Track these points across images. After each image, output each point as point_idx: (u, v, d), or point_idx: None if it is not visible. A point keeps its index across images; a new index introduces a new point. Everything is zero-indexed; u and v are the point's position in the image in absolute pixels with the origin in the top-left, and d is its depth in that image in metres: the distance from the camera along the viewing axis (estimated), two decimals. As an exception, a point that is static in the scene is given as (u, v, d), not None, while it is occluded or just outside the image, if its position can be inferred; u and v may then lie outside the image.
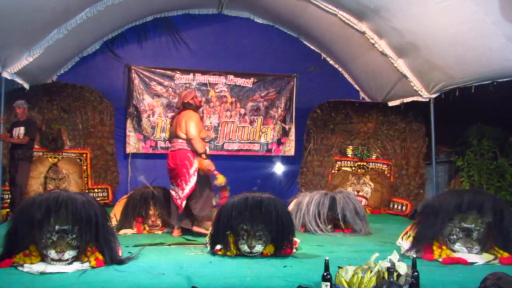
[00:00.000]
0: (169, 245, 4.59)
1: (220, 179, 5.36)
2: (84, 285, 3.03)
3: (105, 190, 7.78)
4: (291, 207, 5.78)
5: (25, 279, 3.16)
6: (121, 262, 3.58)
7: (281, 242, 4.01)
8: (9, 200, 6.78)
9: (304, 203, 5.66)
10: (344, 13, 6.86)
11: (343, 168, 8.46)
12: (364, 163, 8.42)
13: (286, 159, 8.53)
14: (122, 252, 3.83)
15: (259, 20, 8.52)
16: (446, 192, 4.53)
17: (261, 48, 8.50)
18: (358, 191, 8.23)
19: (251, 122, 8.35)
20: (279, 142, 8.51)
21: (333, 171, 8.43)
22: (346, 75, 8.76)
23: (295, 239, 4.26)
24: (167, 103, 8.10)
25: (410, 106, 7.87)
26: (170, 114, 8.11)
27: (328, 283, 2.90)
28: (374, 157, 8.44)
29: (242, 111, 8.30)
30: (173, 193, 5.42)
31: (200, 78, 8.22)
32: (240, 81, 8.34)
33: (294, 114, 8.53)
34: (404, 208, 8.06)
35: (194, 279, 3.17)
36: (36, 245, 3.45)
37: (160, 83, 8.08)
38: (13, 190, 6.48)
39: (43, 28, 5.91)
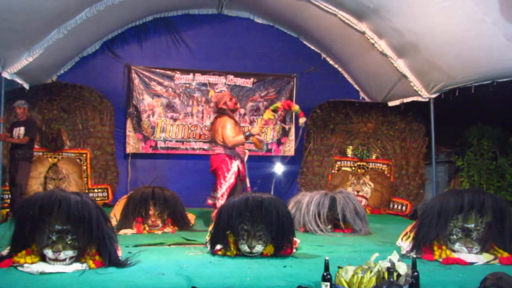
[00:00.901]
0: (169, 245, 4.59)
1: (295, 107, 5.72)
2: (84, 285, 3.03)
3: (105, 190, 7.78)
4: (290, 207, 5.78)
5: (25, 279, 3.16)
6: (120, 262, 3.57)
7: (281, 242, 4.01)
8: (9, 200, 6.78)
9: (304, 203, 5.66)
10: (344, 13, 6.86)
11: (343, 168, 8.46)
12: (364, 163, 8.42)
13: (286, 159, 8.53)
14: (122, 252, 3.82)
15: (259, 20, 8.52)
16: (446, 192, 4.52)
17: (261, 48, 8.50)
18: (358, 191, 8.23)
19: (251, 122, 8.35)
20: (279, 142, 8.51)
21: (333, 171, 8.43)
22: (346, 75, 8.76)
23: (295, 239, 4.26)
24: (167, 103, 8.10)
25: (410, 106, 7.87)
26: (170, 114, 8.13)
27: (328, 283, 2.90)
28: (374, 157, 8.44)
29: (242, 111, 8.30)
30: (210, 201, 5.72)
31: (200, 78, 8.22)
32: (240, 81, 8.34)
33: (294, 114, 8.53)
34: (404, 208, 8.06)
35: (194, 279, 3.17)
36: (37, 245, 3.46)
37: (160, 83, 8.07)
38: (13, 190, 6.49)
39: (43, 28, 5.91)
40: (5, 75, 6.10)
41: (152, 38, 8.16)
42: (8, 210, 6.64)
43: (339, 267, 3.02)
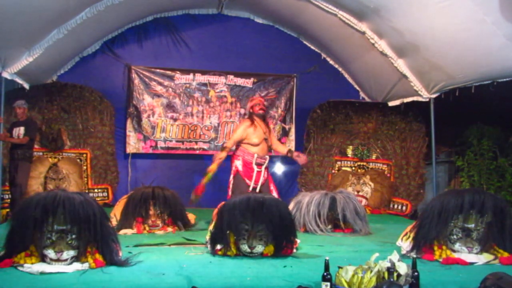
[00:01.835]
0: (169, 245, 4.59)
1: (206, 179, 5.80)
2: (84, 285, 3.03)
3: (105, 190, 7.78)
4: (291, 207, 5.77)
5: (25, 279, 3.16)
6: (121, 262, 3.57)
7: (281, 242, 4.01)
8: (9, 200, 6.78)
9: (304, 203, 5.65)
10: (344, 13, 6.86)
11: (343, 168, 8.46)
12: (364, 163, 8.42)
13: (286, 159, 8.53)
14: (122, 252, 3.82)
15: (259, 20, 8.53)
16: (446, 192, 4.51)
17: (261, 48, 8.51)
18: (358, 191, 8.23)
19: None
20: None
21: (333, 171, 8.43)
22: (346, 75, 8.77)
23: (295, 239, 4.26)
24: (167, 103, 8.10)
25: (410, 106, 7.87)
26: (170, 114, 8.13)
27: (328, 283, 2.89)
28: (374, 157, 8.44)
29: (242, 111, 8.29)
30: None
31: (200, 78, 8.22)
32: (240, 81, 8.34)
33: (294, 114, 8.54)
34: (404, 208, 8.06)
35: (194, 279, 3.17)
36: (36, 245, 3.45)
37: (160, 83, 8.08)
38: (13, 190, 6.49)
39: (43, 28, 5.91)
40: (5, 75, 6.10)
41: (152, 38, 8.16)
42: (8, 210, 6.64)
43: (339, 267, 3.02)
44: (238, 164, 5.82)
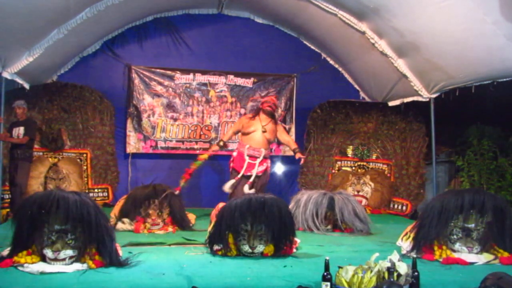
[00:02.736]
0: (169, 245, 4.59)
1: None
2: (84, 285, 3.03)
3: (105, 190, 7.78)
4: (290, 206, 5.78)
5: (25, 279, 3.16)
6: (120, 262, 3.57)
7: (282, 242, 4.01)
8: (9, 200, 6.78)
9: (302, 201, 5.66)
10: (344, 13, 6.85)
11: (343, 168, 8.46)
12: (364, 163, 8.42)
13: (286, 159, 8.53)
14: (122, 252, 3.82)
15: (259, 20, 8.52)
16: (446, 192, 4.52)
17: (261, 48, 8.50)
18: (358, 191, 8.23)
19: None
20: (279, 142, 8.50)
21: (333, 171, 8.43)
22: (346, 75, 8.76)
23: (296, 239, 4.26)
24: (167, 103, 8.10)
25: (410, 106, 7.87)
26: (170, 114, 8.13)
27: (328, 283, 2.90)
28: (374, 157, 8.44)
29: (242, 111, 8.30)
30: None
31: (200, 78, 8.22)
32: (240, 81, 8.34)
33: (294, 114, 8.54)
34: (404, 208, 8.06)
35: (194, 279, 3.17)
36: (36, 245, 3.45)
37: (160, 83, 8.08)
38: (13, 190, 6.49)
39: (43, 28, 5.91)
40: (5, 75, 6.09)
41: (152, 38, 8.15)
42: (8, 210, 6.64)
43: (339, 267, 3.02)
44: (234, 154, 6.37)
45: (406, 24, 6.16)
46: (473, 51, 5.72)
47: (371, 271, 2.94)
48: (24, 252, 3.44)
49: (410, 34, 6.26)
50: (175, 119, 8.13)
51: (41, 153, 7.51)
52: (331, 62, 8.70)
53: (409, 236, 4.23)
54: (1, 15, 4.99)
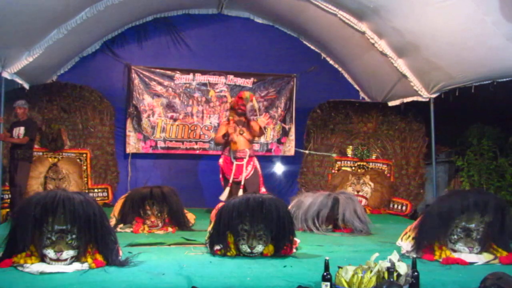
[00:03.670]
0: (169, 245, 4.59)
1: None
2: (84, 285, 3.03)
3: (105, 190, 7.78)
4: (292, 206, 5.78)
5: (25, 279, 3.16)
6: (121, 262, 3.57)
7: (281, 242, 4.01)
8: (9, 200, 6.78)
9: (306, 204, 5.65)
10: (344, 13, 6.86)
11: (343, 168, 8.46)
12: (364, 163, 8.42)
13: (286, 159, 8.53)
14: (122, 252, 3.82)
15: (259, 20, 8.52)
16: (448, 193, 4.52)
17: (261, 48, 8.50)
18: (358, 191, 8.23)
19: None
20: (279, 142, 8.51)
21: (333, 171, 8.43)
22: (346, 75, 8.76)
23: (295, 239, 4.26)
24: (167, 103, 8.10)
25: (410, 106, 7.88)
26: (170, 114, 8.13)
27: (328, 283, 2.90)
28: (374, 157, 8.44)
29: (242, 111, 8.29)
30: None
31: (200, 78, 8.22)
32: (240, 81, 8.34)
33: (294, 114, 8.53)
34: (404, 208, 8.06)
35: (194, 279, 3.17)
36: (36, 245, 3.45)
37: (160, 83, 8.07)
38: (13, 190, 6.49)
39: (43, 28, 5.91)
40: (5, 75, 6.09)
41: (152, 38, 8.15)
42: (8, 210, 6.64)
43: (339, 267, 3.02)
44: (220, 161, 6.51)
45: (406, 24, 6.16)
46: (473, 51, 5.72)
47: (371, 271, 2.94)
48: (23, 254, 3.44)
49: (410, 34, 6.26)
50: (175, 119, 8.13)
51: (41, 153, 7.50)
52: (331, 62, 8.70)
53: (409, 236, 4.23)
54: (1, 15, 4.99)
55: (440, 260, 3.89)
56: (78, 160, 7.72)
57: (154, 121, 8.05)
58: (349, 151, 8.47)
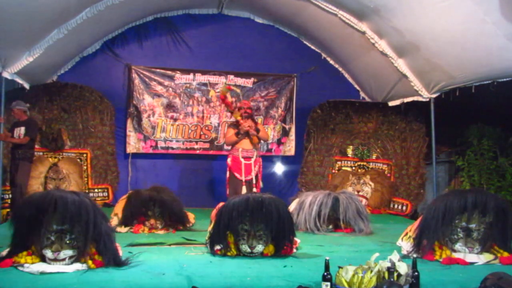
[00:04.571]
0: (169, 245, 4.59)
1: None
2: (84, 285, 3.03)
3: (106, 190, 7.79)
4: (292, 206, 5.78)
5: (25, 279, 3.16)
6: (120, 262, 3.57)
7: (281, 242, 4.01)
8: (9, 200, 6.78)
9: (307, 203, 5.65)
10: (344, 13, 6.86)
11: (343, 168, 8.46)
12: (364, 163, 8.42)
13: (286, 159, 8.54)
14: (122, 252, 3.82)
15: (259, 20, 8.52)
16: (448, 192, 4.51)
17: (261, 48, 8.50)
18: (358, 191, 8.23)
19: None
20: (279, 142, 8.51)
21: (333, 171, 8.43)
22: (346, 75, 8.76)
23: (296, 239, 4.26)
24: (167, 103, 8.10)
25: (410, 106, 7.87)
26: (170, 114, 8.13)
27: (329, 283, 2.89)
28: (374, 157, 8.44)
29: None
30: None
31: (200, 78, 8.22)
32: (240, 81, 8.34)
33: (294, 114, 8.54)
34: (404, 208, 8.06)
35: (194, 279, 3.17)
36: (36, 245, 3.45)
37: (160, 83, 8.08)
38: (13, 190, 6.49)
39: (43, 28, 5.90)
40: (5, 75, 6.09)
41: (152, 38, 8.16)
42: (8, 210, 6.64)
43: (339, 267, 3.02)
44: (229, 161, 6.50)
45: (406, 24, 6.16)
46: (473, 51, 5.72)
47: (371, 271, 2.94)
48: (24, 253, 3.44)
49: (410, 34, 6.26)
50: (175, 119, 8.13)
51: (41, 153, 7.51)
52: (331, 62, 8.70)
53: (409, 236, 4.22)
54: (1, 15, 4.99)
55: (440, 260, 3.89)
56: (78, 160, 7.72)
57: (154, 121, 8.05)
58: (350, 151, 8.47)
